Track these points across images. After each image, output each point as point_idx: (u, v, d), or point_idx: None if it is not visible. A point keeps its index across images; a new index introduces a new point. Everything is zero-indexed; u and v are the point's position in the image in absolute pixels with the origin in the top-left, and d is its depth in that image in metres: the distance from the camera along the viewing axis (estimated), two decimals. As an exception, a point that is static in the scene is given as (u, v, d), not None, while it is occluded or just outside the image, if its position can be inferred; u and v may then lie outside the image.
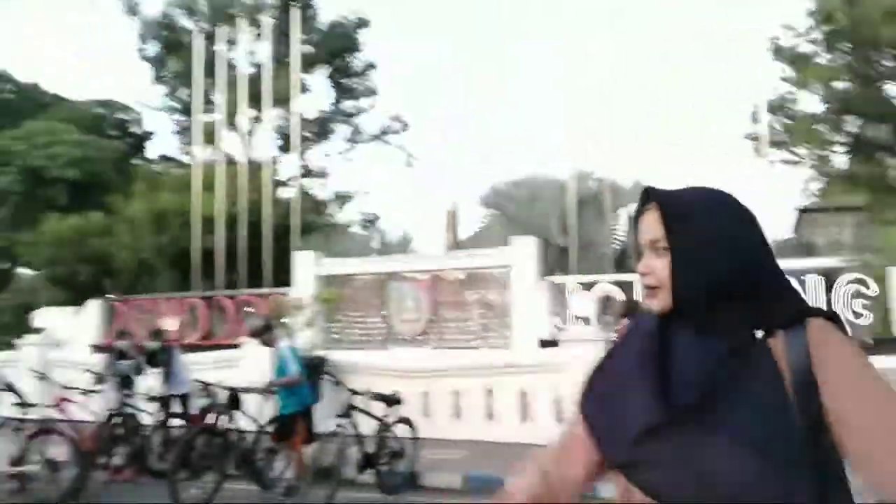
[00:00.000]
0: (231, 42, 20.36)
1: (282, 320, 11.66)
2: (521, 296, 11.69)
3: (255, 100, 19.82)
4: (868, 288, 10.41)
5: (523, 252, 11.83)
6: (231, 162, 18.88)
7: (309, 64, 23.48)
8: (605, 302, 11.22)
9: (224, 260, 14.81)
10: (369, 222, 30.53)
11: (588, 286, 11.41)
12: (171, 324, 14.42)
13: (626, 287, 11.42)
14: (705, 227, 1.23)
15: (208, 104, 22.10)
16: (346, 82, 29.52)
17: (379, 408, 7.22)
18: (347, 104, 29.97)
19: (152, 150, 32.34)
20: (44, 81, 36.54)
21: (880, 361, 7.41)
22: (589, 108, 13.19)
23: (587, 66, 13.56)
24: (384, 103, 37.46)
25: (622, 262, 13.55)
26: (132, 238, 17.97)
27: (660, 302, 1.25)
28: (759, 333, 1.21)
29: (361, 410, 6.95)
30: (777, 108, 21.49)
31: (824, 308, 1.29)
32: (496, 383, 9.63)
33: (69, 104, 30.58)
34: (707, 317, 1.21)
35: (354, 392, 6.95)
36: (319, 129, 29.27)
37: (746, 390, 1.14)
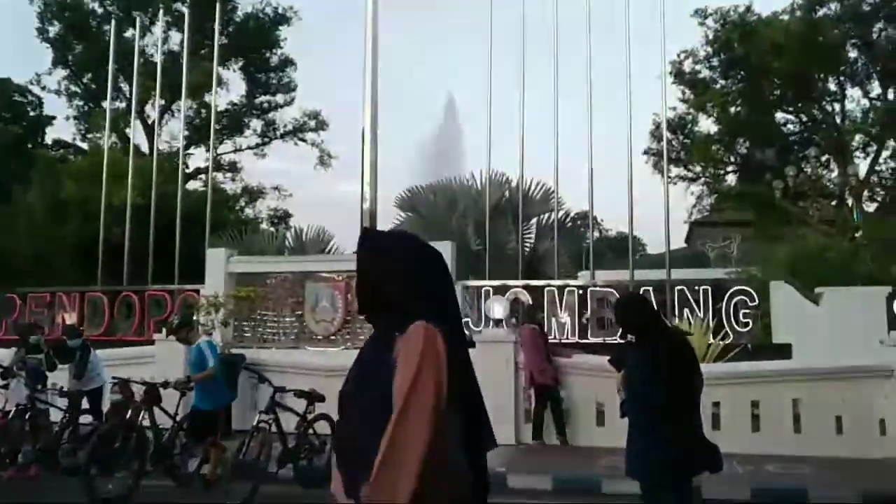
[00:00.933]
0: (144, 29, 19.74)
1: (195, 318, 11.54)
2: (436, 298, 12.07)
3: (165, 89, 19.30)
4: (752, 300, 11.42)
5: (439, 256, 12.22)
6: (139, 152, 18.31)
7: (224, 56, 23.01)
8: (514, 306, 11.77)
9: (129, 254, 14.38)
10: (280, 219, 30.20)
11: (500, 290, 11.92)
12: (70, 318, 13.91)
13: (534, 292, 12.03)
14: (362, 269, 1.86)
15: (116, 91, 21.32)
16: (262, 77, 29.07)
17: (301, 405, 7.39)
18: (262, 99, 29.52)
19: (49, 135, 30.66)
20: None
21: (761, 366, 8.28)
22: (503, 114, 13.70)
23: (504, 72, 14.08)
24: (304, 100, 37.03)
25: (532, 267, 14.18)
26: (30, 228, 17.10)
27: None
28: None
29: (284, 407, 7.10)
30: (677, 127, 22.94)
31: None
32: (412, 382, 9.93)
33: (-43, 82, 28.54)
34: (371, 321, 1.89)
35: (278, 389, 7.09)
36: (231, 122, 28.71)
37: (375, 374, 1.71)
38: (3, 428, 7.48)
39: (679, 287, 11.82)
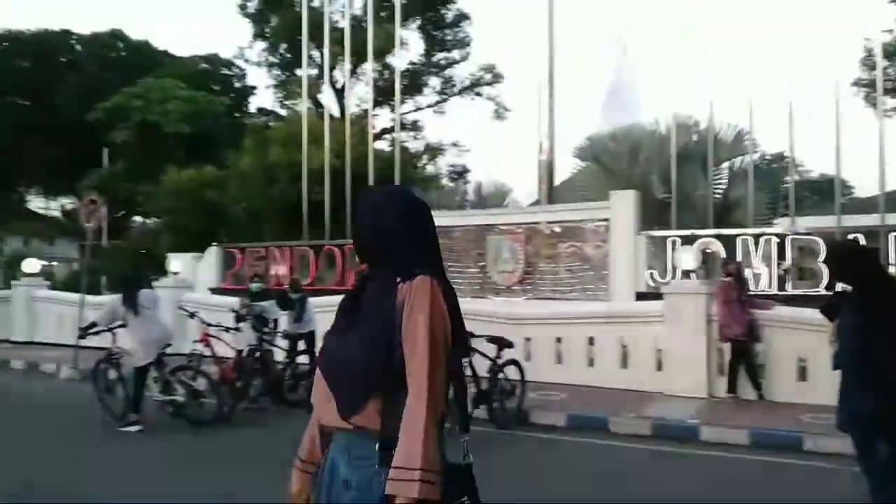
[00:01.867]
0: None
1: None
2: (620, 249, 11.92)
3: (352, 54, 20.37)
4: None
5: (622, 205, 12.00)
6: (332, 116, 19.60)
7: (403, 17, 23.74)
8: (705, 256, 11.31)
9: (329, 210, 15.62)
10: (459, 174, 30.98)
11: (688, 240, 11.51)
12: (281, 270, 15.51)
13: (726, 241, 11.46)
14: (366, 219, 2.00)
15: (309, 59, 22.82)
16: (438, 34, 29.64)
17: (491, 350, 7.77)
18: (439, 56, 30.15)
19: (253, 104, 33.62)
20: (153, 38, 38.37)
21: None
22: (689, 54, 12.97)
23: (688, 8, 13.27)
24: (479, 54, 37.25)
25: (723, 215, 13.47)
26: (243, 190, 19.10)
27: None
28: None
29: (476, 351, 7.51)
30: (894, 53, 20.29)
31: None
32: (596, 332, 10.02)
33: (177, 60, 32.06)
34: (371, 267, 2.01)
35: (471, 334, 7.49)
36: (411, 82, 29.67)
37: (375, 311, 1.88)
38: (237, 365, 8.64)
39: (894, 233, 10.69)
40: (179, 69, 29.94)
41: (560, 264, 12.57)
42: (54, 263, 27.36)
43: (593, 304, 11.35)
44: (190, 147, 25.10)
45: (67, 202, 33.40)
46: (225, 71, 33.08)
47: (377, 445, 1.82)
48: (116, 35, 33.00)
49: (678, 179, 12.77)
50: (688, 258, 10.00)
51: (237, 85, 33.39)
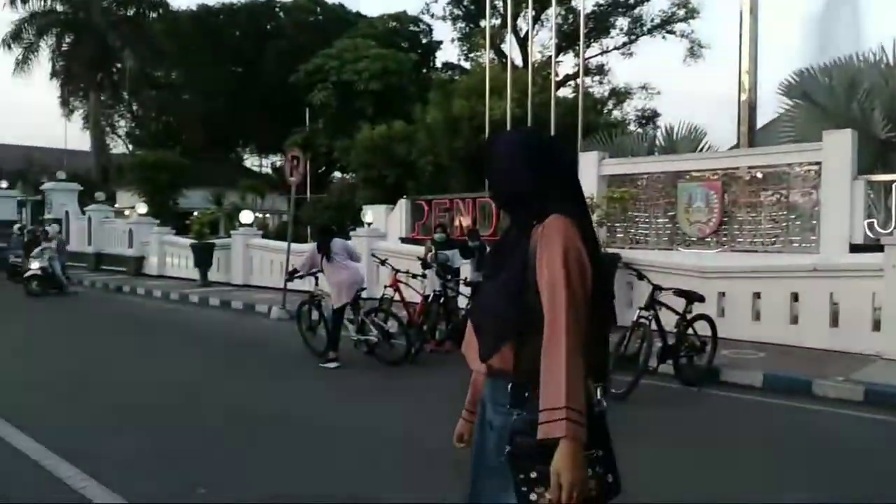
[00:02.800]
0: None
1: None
2: (832, 196, 10.69)
3: (535, 1, 19.92)
4: None
5: (836, 147, 10.69)
6: (515, 66, 19.44)
7: (589, -44, 22.72)
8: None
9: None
10: (648, 119, 29.50)
11: (918, 184, 10.04)
12: (465, 221, 15.84)
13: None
14: (495, 164, 1.99)
15: (492, 9, 22.70)
16: (628, -29, 28.08)
17: (680, 304, 7.38)
18: (627, -5, 28.63)
19: (438, 59, 34.27)
20: (347, 1, 40.33)
21: None
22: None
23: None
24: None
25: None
26: (430, 143, 19.66)
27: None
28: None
29: (664, 305, 7.17)
30: None
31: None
32: (802, 287, 9.15)
33: (368, 20, 33.42)
34: (508, 213, 2.04)
35: (658, 287, 7.17)
36: (597, 24, 28.51)
37: (512, 256, 1.88)
38: (423, 310, 9.00)
39: None
40: (370, 29, 31.18)
41: (761, 213, 11.56)
42: (267, 215, 30.18)
43: (800, 256, 10.33)
44: (380, 103, 26.22)
45: (276, 160, 36.59)
46: (412, 28, 33.95)
47: (509, 387, 1.82)
48: (314, 0, 35.01)
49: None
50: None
51: (424, 41, 34.16)
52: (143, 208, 20.11)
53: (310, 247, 10.19)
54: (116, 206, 27.37)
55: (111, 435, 5.51)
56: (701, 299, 7.46)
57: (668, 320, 7.35)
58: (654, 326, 7.07)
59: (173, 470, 4.70)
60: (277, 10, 35.37)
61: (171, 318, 12.97)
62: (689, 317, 7.40)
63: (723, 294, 9.69)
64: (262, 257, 16.52)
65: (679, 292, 7.35)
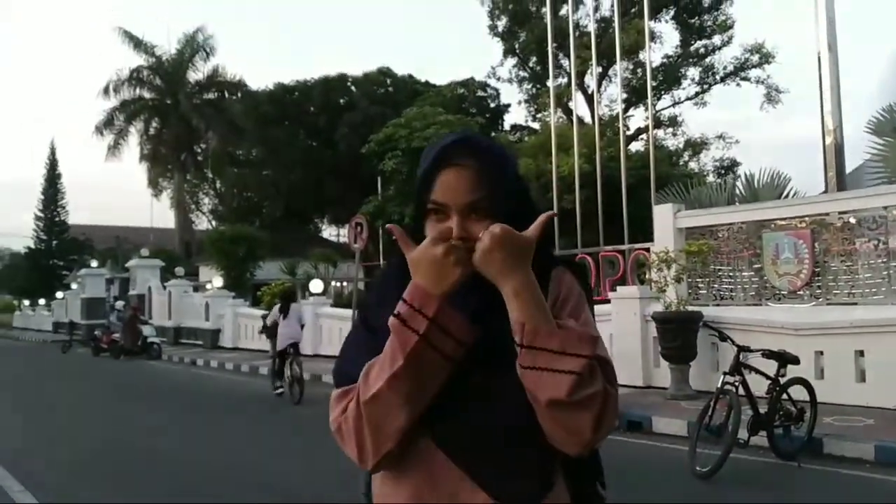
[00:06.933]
0: (577, 2, 20.44)
1: (646, 276, 11.47)
2: (939, 239, 9.63)
3: (601, 56, 19.70)
4: None
5: (939, 185, 9.70)
6: (581, 122, 19.11)
7: (655, 10, 22.44)
8: None
9: (581, 218, 15.10)
10: (727, 169, 28.42)
11: None
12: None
13: None
14: (515, 188, 1.28)
15: (557, 69, 22.62)
16: (695, 21, 27.59)
17: (770, 367, 6.60)
18: (697, 44, 28.04)
19: (507, 121, 34.47)
20: (415, 71, 41.46)
21: None
22: None
23: None
24: (742, 35, 34.02)
25: None
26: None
27: (466, 268, 1.17)
28: None
29: (752, 368, 6.42)
30: None
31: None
32: (913, 343, 8.12)
33: (436, 89, 34.10)
34: None
35: (743, 349, 6.44)
36: (667, 76, 27.99)
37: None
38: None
39: None
40: (438, 97, 31.72)
41: (858, 262, 10.55)
42: (343, 283, 30.47)
43: (905, 308, 9.28)
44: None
45: (351, 228, 37.23)
46: (480, 93, 34.36)
47: None
48: (384, 72, 36.08)
49: None
50: None
51: (492, 105, 34.47)
52: (219, 281, 20.58)
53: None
54: (198, 280, 28.29)
55: None
56: (795, 361, 6.65)
57: (759, 386, 6.58)
58: (742, 392, 6.31)
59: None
60: (350, 83, 36.62)
61: (240, 392, 12.99)
62: (782, 381, 6.59)
63: (820, 353, 8.74)
64: (331, 325, 16.42)
65: (769, 354, 6.58)
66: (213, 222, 37.92)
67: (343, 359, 1.30)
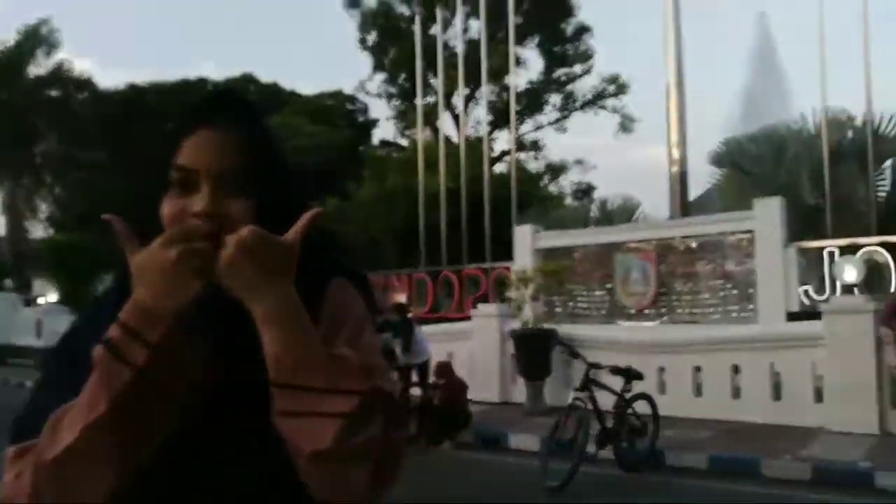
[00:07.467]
0: (446, 23, 20.78)
1: (506, 294, 11.72)
2: (766, 264, 10.55)
3: (469, 78, 20.10)
4: None
5: (767, 214, 10.63)
6: (449, 141, 19.37)
7: (520, 36, 23.27)
8: (870, 267, 9.75)
9: (446, 236, 15.25)
10: (584, 193, 29.87)
11: (848, 250, 9.98)
12: (400, 298, 15.23)
13: (893, 249, 9.84)
14: (283, 165, 1.04)
15: (426, 87, 22.85)
16: (558, 50, 28.91)
17: (617, 382, 6.88)
18: (560, 72, 29.36)
19: (375, 136, 34.39)
20: (281, 79, 40.43)
21: None
22: (838, 37, 11.48)
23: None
24: (600, 65, 36.11)
25: (889, 220, 11.70)
26: (364, 219, 19.21)
27: (209, 278, 0.89)
28: None
29: (600, 384, 6.66)
30: None
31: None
32: (743, 359, 8.79)
33: (303, 99, 33.43)
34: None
35: (593, 365, 6.66)
36: (531, 101, 29.07)
37: None
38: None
39: None
40: (305, 106, 31.12)
41: (698, 284, 11.34)
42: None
43: (738, 327, 10.06)
44: (315, 180, 25.81)
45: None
46: (349, 105, 34.09)
47: None
48: (248, 79, 34.91)
49: (832, 182, 11.23)
50: (849, 269, 8.61)
51: (360, 119, 34.28)
52: (53, 296, 18.83)
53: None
54: (31, 293, 25.79)
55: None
56: (639, 377, 6.99)
57: (608, 401, 6.83)
58: (591, 408, 6.52)
59: None
60: (210, 88, 35.13)
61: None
62: (627, 396, 6.89)
63: (663, 369, 9.27)
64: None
65: (616, 370, 6.86)
66: (51, 230, 34.85)
67: (30, 404, 0.97)
